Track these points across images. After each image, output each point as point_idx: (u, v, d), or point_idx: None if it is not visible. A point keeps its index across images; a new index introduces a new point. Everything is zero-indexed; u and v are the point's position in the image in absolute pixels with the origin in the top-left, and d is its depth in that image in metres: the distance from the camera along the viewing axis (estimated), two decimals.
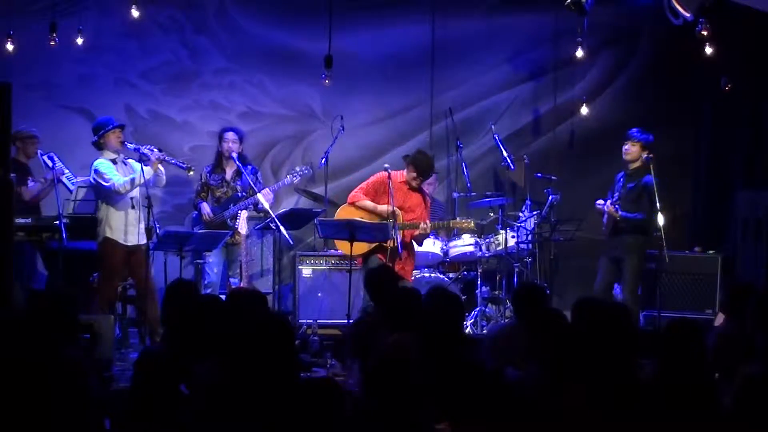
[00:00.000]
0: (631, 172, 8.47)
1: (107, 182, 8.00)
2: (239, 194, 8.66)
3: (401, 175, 8.26)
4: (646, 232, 8.42)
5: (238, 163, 8.53)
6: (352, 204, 8.32)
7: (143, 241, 8.13)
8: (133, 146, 8.18)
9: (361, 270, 8.09)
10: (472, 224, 8.35)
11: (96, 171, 8.09)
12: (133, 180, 8.02)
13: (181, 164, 8.28)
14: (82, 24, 9.06)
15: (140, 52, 9.91)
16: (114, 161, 8.12)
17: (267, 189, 8.52)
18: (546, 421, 3.89)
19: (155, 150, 8.10)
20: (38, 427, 3.81)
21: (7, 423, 3.83)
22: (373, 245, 8.11)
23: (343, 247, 8.39)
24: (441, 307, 5.17)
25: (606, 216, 8.43)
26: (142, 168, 7.98)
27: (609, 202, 8.30)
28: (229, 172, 8.87)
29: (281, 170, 10.03)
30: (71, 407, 3.92)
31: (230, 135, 8.85)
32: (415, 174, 8.18)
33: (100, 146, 8.21)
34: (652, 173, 8.31)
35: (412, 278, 8.71)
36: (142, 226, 8.14)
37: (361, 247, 8.10)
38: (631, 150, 8.45)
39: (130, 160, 8.29)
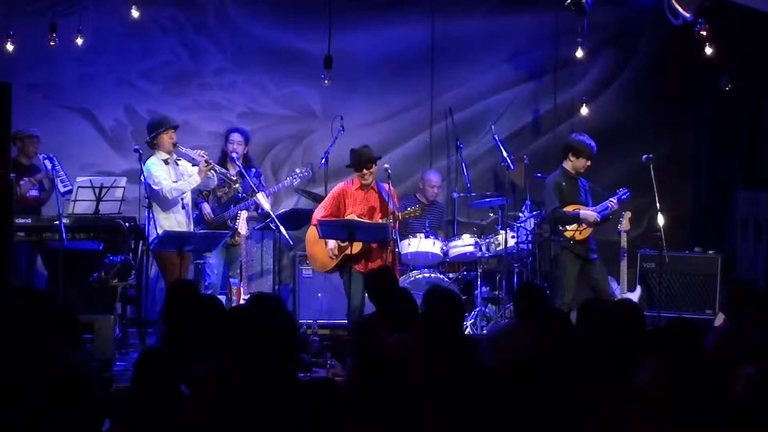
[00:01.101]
0: (578, 175, 8.68)
1: (157, 185, 7.94)
2: (240, 195, 8.66)
3: (355, 182, 8.24)
4: None
5: (239, 164, 8.51)
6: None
7: None
8: (184, 150, 8.12)
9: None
10: (419, 211, 8.34)
11: (147, 171, 8.02)
12: (182, 186, 7.97)
13: (229, 177, 8.24)
14: (82, 24, 9.06)
15: (140, 52, 9.92)
16: (166, 162, 8.06)
17: (262, 193, 8.46)
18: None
19: (204, 158, 8.00)
20: (37, 428, 3.82)
21: (7, 423, 3.84)
22: (341, 259, 8.08)
23: (314, 263, 8.41)
24: (440, 306, 5.17)
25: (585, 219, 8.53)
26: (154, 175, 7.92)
27: (615, 199, 8.46)
28: (233, 173, 8.87)
29: (281, 170, 10.03)
30: (71, 408, 3.92)
31: (235, 136, 8.87)
32: (362, 171, 8.12)
33: (152, 146, 8.15)
34: (652, 173, 8.38)
35: (411, 278, 8.73)
36: (191, 226, 8.15)
37: (329, 263, 8.12)
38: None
39: (181, 161, 8.23)
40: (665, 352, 4.41)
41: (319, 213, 8.26)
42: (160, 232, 7.95)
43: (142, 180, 8.13)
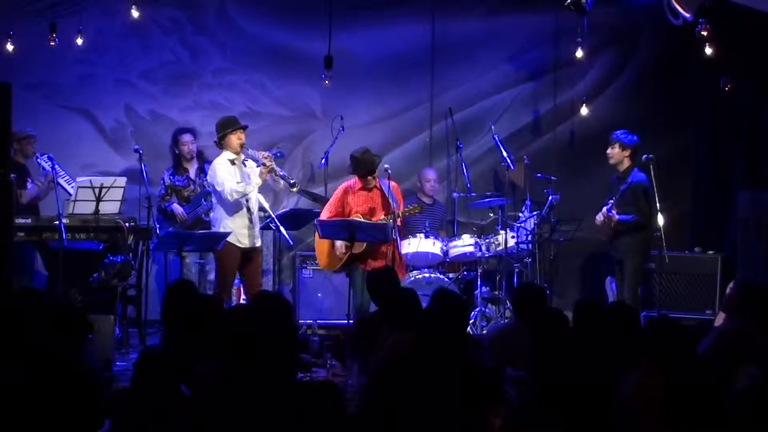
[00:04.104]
0: (621, 175, 8.49)
1: (219, 186, 7.89)
2: (208, 189, 8.73)
3: (357, 182, 8.22)
4: (645, 230, 8.46)
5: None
6: None
7: (258, 243, 8.09)
8: (251, 151, 8.03)
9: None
10: (419, 208, 8.36)
11: (213, 172, 8.00)
12: (242, 188, 7.88)
13: (289, 180, 8.10)
14: (82, 24, 9.06)
15: (140, 52, 9.91)
16: (233, 162, 7.99)
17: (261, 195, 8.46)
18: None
19: (265, 160, 7.89)
20: (38, 428, 3.82)
21: (7, 423, 3.84)
22: (347, 258, 8.09)
23: (321, 260, 8.38)
24: (446, 308, 5.18)
25: (601, 223, 8.44)
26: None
27: (605, 209, 8.32)
28: (192, 171, 9.10)
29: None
30: (71, 407, 3.93)
31: (187, 137, 9.11)
32: (355, 174, 8.14)
33: (220, 146, 8.08)
34: (652, 173, 8.33)
35: (411, 278, 8.72)
36: (257, 229, 8.08)
37: (336, 262, 8.11)
38: (612, 153, 8.52)
39: (249, 162, 8.13)
40: (653, 352, 4.41)
41: (324, 215, 8.26)
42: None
43: (208, 180, 8.14)
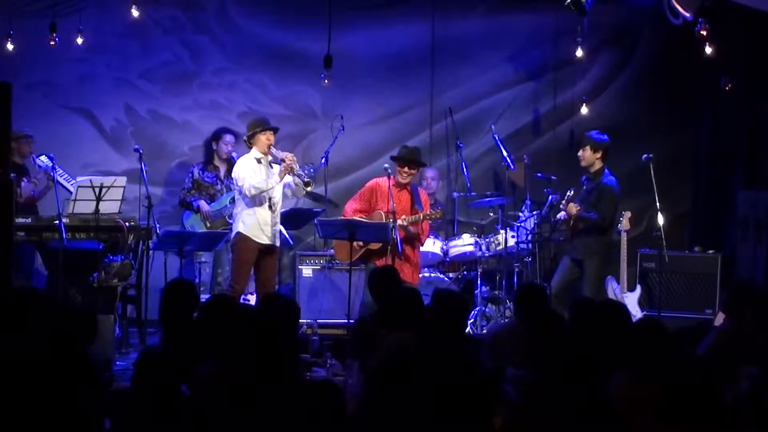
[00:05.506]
0: (591, 176, 8.42)
1: (241, 181, 7.91)
2: (234, 192, 8.73)
3: (390, 179, 8.20)
4: (605, 234, 8.37)
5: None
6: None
7: (277, 243, 8.07)
8: (277, 152, 8.00)
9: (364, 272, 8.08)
10: (440, 213, 8.29)
11: (236, 168, 8.03)
12: (260, 185, 7.84)
13: (303, 178, 8.03)
14: (82, 24, 9.07)
15: (140, 52, 9.91)
16: (258, 161, 7.99)
17: None
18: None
19: (286, 161, 7.87)
20: (38, 427, 3.82)
21: (8, 423, 3.84)
22: (363, 252, 8.07)
23: (339, 253, 8.37)
24: (448, 307, 5.18)
25: (565, 216, 8.38)
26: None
27: (568, 199, 8.28)
28: (222, 171, 9.12)
29: None
30: (71, 407, 3.93)
31: (230, 137, 9.16)
32: (404, 168, 8.11)
33: (249, 144, 8.08)
34: (652, 173, 8.32)
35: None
36: (278, 228, 8.06)
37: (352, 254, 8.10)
38: (583, 155, 8.41)
39: (276, 166, 8.09)
40: (636, 357, 4.41)
41: (351, 205, 8.25)
42: (243, 227, 7.91)
43: (232, 175, 8.18)
